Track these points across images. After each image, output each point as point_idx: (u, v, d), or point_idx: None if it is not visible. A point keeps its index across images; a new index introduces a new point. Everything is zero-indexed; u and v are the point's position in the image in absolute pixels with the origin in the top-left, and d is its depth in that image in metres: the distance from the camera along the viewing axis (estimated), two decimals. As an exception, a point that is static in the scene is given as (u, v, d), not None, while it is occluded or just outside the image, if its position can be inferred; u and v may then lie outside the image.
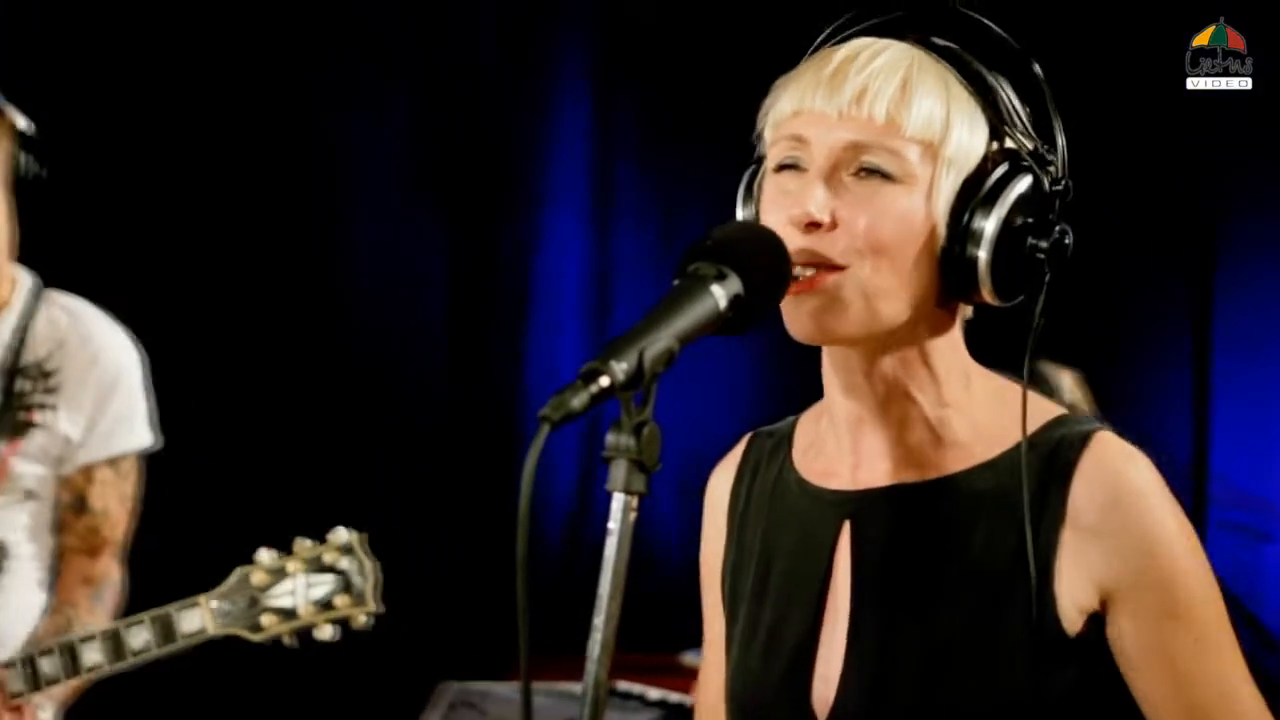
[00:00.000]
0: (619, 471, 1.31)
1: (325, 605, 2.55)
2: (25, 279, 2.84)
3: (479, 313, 4.87)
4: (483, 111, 4.79)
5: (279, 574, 2.56)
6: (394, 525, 4.51)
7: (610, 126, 4.87)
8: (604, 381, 1.30)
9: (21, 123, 2.74)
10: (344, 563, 2.56)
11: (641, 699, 3.63)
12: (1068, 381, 3.33)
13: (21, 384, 2.77)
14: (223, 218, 4.55)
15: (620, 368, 1.31)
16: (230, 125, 4.55)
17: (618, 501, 1.32)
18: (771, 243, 1.47)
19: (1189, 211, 4.35)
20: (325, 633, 2.56)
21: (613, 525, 1.32)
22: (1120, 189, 4.09)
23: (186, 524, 4.07)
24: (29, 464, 2.77)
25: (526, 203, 4.88)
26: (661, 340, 1.34)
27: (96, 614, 2.80)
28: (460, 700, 3.70)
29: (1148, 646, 1.49)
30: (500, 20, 4.82)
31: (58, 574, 2.84)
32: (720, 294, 1.40)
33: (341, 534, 2.58)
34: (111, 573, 2.85)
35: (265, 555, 2.57)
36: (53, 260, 2.94)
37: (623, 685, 3.68)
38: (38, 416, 2.77)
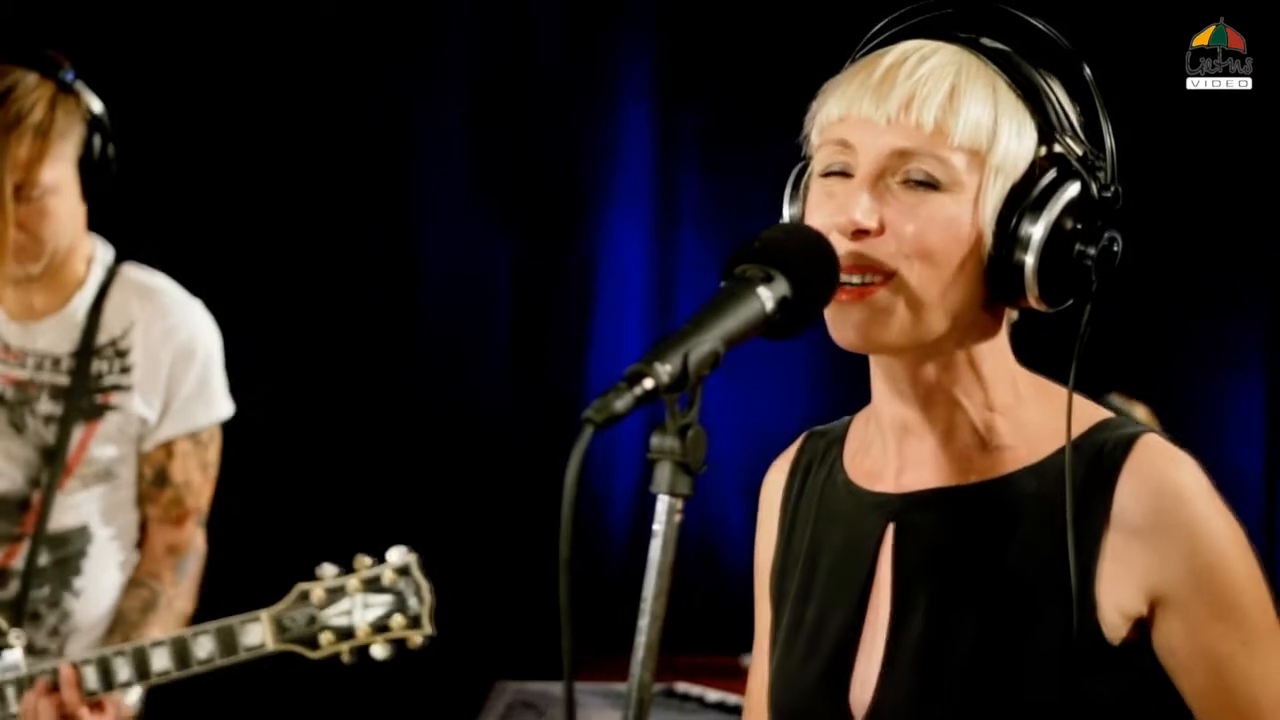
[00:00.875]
0: (664, 474, 1.30)
1: (381, 627, 2.58)
2: (103, 253, 2.85)
3: (544, 315, 4.87)
4: (549, 118, 4.79)
5: (338, 593, 2.59)
6: (455, 525, 4.52)
7: (673, 132, 4.86)
8: (648, 384, 1.28)
9: (95, 105, 2.75)
10: (400, 584, 2.58)
11: (700, 701, 3.61)
12: (1141, 415, 3.30)
13: (98, 365, 2.78)
14: (293, 222, 4.58)
15: (664, 370, 1.29)
16: (305, 133, 4.57)
17: (662, 504, 1.30)
18: (819, 245, 1.45)
19: (1250, 224, 4.25)
20: (380, 652, 2.58)
21: (657, 527, 1.31)
22: (1175, 205, 4.01)
23: (253, 521, 4.09)
24: (106, 447, 2.79)
25: (591, 207, 4.88)
26: (707, 343, 1.32)
27: (181, 586, 2.83)
28: (517, 700, 3.69)
29: (1197, 649, 1.46)
30: (566, 33, 4.82)
31: (141, 545, 2.86)
32: (767, 296, 1.38)
33: (398, 555, 2.59)
34: (195, 540, 2.88)
35: (326, 572, 2.60)
36: (133, 239, 2.97)
37: (681, 687, 3.66)
38: (114, 399, 2.79)
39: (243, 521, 4.13)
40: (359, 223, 4.68)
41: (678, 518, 1.30)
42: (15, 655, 2.67)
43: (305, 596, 2.58)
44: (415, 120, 4.73)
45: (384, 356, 4.69)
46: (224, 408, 2.89)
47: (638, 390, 1.28)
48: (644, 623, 1.31)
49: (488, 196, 4.80)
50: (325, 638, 2.58)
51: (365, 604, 2.58)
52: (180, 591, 2.82)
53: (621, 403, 1.27)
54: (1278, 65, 2.82)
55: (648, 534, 1.32)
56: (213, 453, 2.88)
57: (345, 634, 2.58)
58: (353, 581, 2.58)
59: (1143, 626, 1.47)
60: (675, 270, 4.87)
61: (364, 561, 2.59)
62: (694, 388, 1.30)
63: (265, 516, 4.20)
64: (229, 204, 4.48)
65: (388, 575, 2.58)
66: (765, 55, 4.56)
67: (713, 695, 3.60)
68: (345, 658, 2.59)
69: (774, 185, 1.62)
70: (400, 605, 2.58)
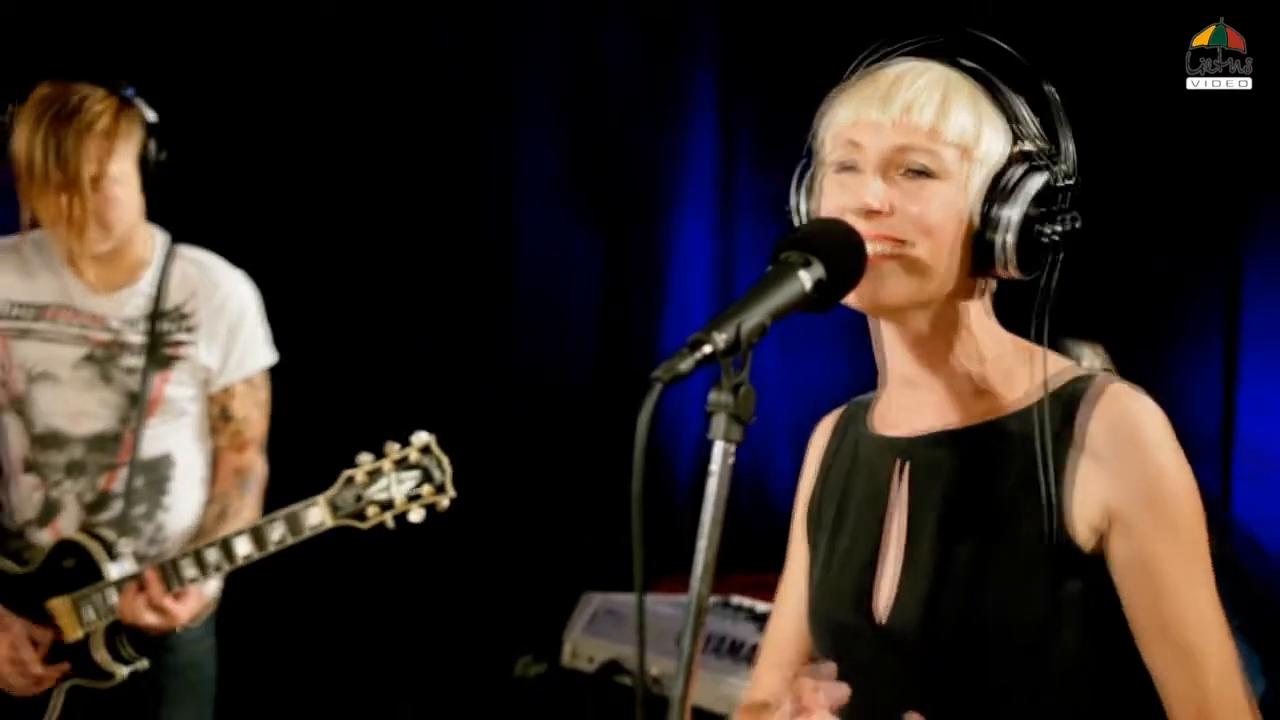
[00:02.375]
0: (719, 424, 1.32)
1: (414, 496, 2.65)
2: (160, 237, 2.95)
3: (624, 298, 4.87)
4: (627, 131, 4.79)
5: (376, 474, 2.66)
6: (552, 465, 4.55)
7: (734, 142, 4.84)
8: (707, 349, 1.31)
9: (150, 115, 2.83)
10: (425, 460, 2.66)
11: (751, 612, 3.60)
12: (1088, 353, 3.23)
13: (165, 326, 2.89)
14: (417, 217, 4.61)
15: (720, 338, 1.32)
16: (432, 145, 4.60)
17: (718, 449, 1.32)
18: (849, 236, 1.49)
19: (1212, 199, 4.02)
20: (416, 516, 2.66)
21: (714, 468, 1.33)
22: (1132, 187, 3.80)
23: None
24: (179, 389, 2.90)
25: (664, 206, 4.88)
26: (755, 316, 1.35)
27: (246, 499, 2.94)
28: (603, 609, 3.68)
29: (1138, 556, 1.48)
30: (642, 57, 4.81)
31: (214, 470, 2.98)
32: (806, 278, 1.41)
33: (421, 436, 2.67)
34: (256, 464, 2.99)
35: (364, 459, 2.68)
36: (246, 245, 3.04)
37: (735, 599, 3.65)
38: (181, 351, 2.90)
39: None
40: (472, 227, 4.71)
41: (730, 460, 1.32)
42: (127, 561, 2.78)
43: (350, 480, 2.67)
44: (516, 134, 4.75)
45: (489, 331, 4.72)
46: (268, 356, 2.99)
47: (698, 354, 1.31)
48: (702, 545, 1.33)
49: (577, 198, 4.82)
50: (371, 511, 2.65)
51: (399, 480, 2.65)
52: (245, 504, 2.93)
53: (685, 364, 1.30)
54: (1278, 65, 2.66)
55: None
56: (264, 393, 2.99)
57: (386, 505, 2.65)
58: (387, 463, 2.66)
59: (1105, 538, 1.49)
60: (735, 259, 4.86)
61: (393, 446, 2.67)
62: (745, 353, 1.33)
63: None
64: (368, 192, 4.50)
65: (414, 454, 2.66)
66: (814, 75, 4.52)
67: (762, 607, 3.59)
68: (389, 524, 2.66)
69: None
70: (427, 477, 2.65)
